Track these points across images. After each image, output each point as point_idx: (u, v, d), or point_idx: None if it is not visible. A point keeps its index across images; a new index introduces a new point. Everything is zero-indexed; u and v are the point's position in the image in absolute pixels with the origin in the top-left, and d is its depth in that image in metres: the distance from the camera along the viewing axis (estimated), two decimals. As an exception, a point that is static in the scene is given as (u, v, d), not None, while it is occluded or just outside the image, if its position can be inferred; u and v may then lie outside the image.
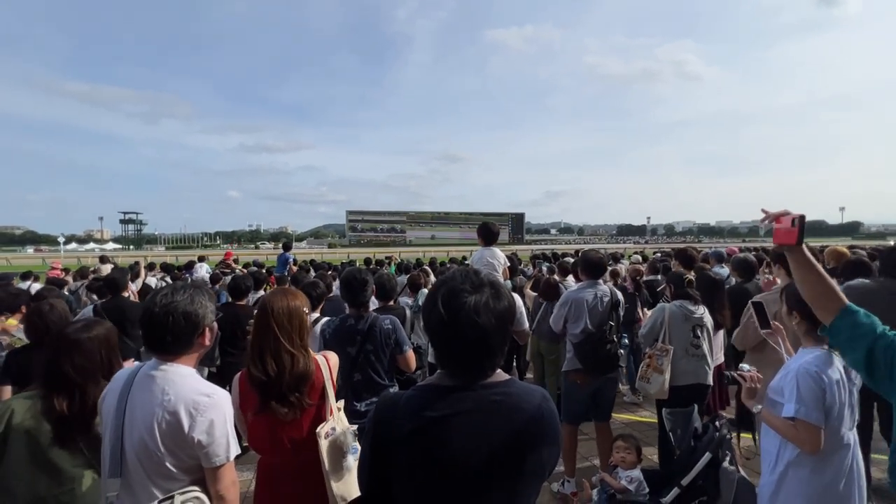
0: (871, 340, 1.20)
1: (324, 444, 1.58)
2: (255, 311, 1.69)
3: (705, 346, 3.10)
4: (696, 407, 2.55)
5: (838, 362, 1.75)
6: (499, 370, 1.02)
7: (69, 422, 1.56)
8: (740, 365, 2.11)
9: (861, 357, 1.22)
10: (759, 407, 1.91)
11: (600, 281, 3.31)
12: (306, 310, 1.70)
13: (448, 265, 8.33)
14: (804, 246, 1.30)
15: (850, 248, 5.47)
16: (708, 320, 3.18)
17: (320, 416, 1.66)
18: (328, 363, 1.73)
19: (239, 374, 1.67)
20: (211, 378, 3.27)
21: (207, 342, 1.46)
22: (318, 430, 1.60)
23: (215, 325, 1.49)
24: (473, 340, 0.95)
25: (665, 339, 3.08)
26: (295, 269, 8.72)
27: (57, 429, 1.55)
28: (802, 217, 1.28)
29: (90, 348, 1.63)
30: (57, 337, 1.66)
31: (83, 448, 1.59)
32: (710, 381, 3.15)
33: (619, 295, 3.33)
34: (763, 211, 1.40)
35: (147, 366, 1.40)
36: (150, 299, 1.40)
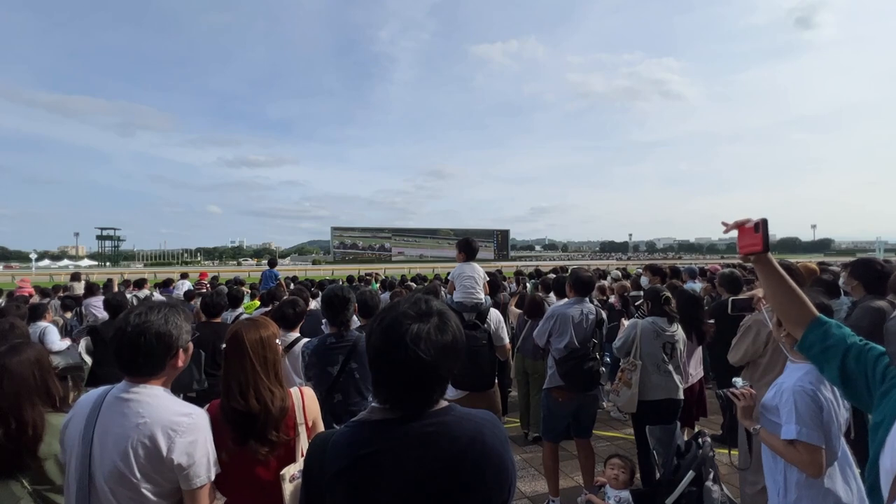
0: (843, 351, 1.14)
1: (288, 489, 1.44)
2: (225, 344, 1.57)
3: (674, 363, 3.16)
4: (678, 424, 2.57)
5: None
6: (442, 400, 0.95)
7: (8, 449, 1.46)
8: (733, 380, 2.04)
9: (836, 370, 1.15)
10: (759, 427, 1.81)
11: (587, 299, 3.34)
12: (278, 342, 1.62)
13: (433, 282, 8.32)
14: (769, 254, 1.22)
15: (820, 264, 5.64)
16: (680, 337, 3.24)
17: (290, 456, 1.53)
18: (303, 399, 1.61)
19: (207, 406, 1.53)
20: (193, 401, 3.14)
21: (181, 364, 1.39)
22: (282, 472, 1.45)
23: (191, 345, 1.42)
24: (409, 371, 0.86)
25: (635, 355, 3.13)
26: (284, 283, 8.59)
27: None
28: (765, 221, 1.16)
29: (19, 372, 1.54)
30: None
31: (23, 481, 1.47)
32: (682, 395, 3.19)
33: (604, 314, 3.37)
34: (723, 223, 1.31)
35: (117, 388, 1.32)
36: (123, 318, 1.33)
